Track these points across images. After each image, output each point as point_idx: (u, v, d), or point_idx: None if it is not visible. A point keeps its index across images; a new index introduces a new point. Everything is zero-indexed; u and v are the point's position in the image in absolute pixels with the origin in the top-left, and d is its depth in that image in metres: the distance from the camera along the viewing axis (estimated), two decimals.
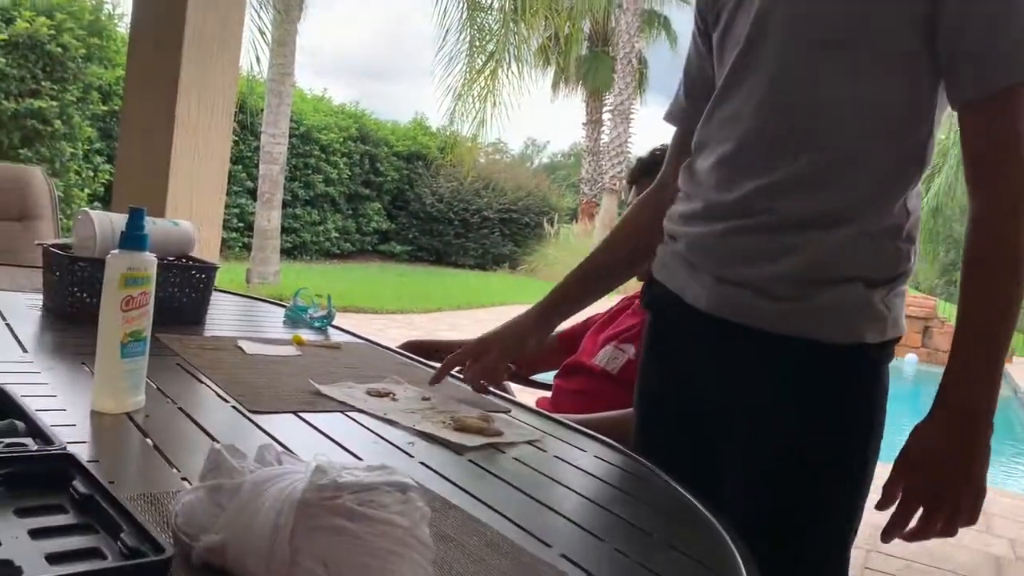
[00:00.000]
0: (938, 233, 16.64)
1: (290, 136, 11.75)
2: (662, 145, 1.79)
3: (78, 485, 0.68)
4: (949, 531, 1.06)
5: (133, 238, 1.02)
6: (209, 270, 1.74)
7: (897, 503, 1.07)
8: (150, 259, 1.03)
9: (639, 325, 1.84)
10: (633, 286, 1.80)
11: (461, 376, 1.45)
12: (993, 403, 1.05)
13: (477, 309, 10.86)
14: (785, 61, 1.10)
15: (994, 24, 1.02)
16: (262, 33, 9.72)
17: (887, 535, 1.08)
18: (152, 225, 1.68)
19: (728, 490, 1.17)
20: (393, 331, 8.00)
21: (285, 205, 12.86)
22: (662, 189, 1.38)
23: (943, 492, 1.05)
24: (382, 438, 1.10)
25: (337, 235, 15.95)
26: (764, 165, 1.12)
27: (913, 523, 1.07)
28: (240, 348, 1.51)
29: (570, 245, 17.21)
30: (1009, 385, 10.92)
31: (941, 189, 15.68)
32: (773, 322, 1.11)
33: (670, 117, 1.39)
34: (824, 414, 1.11)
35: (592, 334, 2.01)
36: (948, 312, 15.83)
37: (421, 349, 2.08)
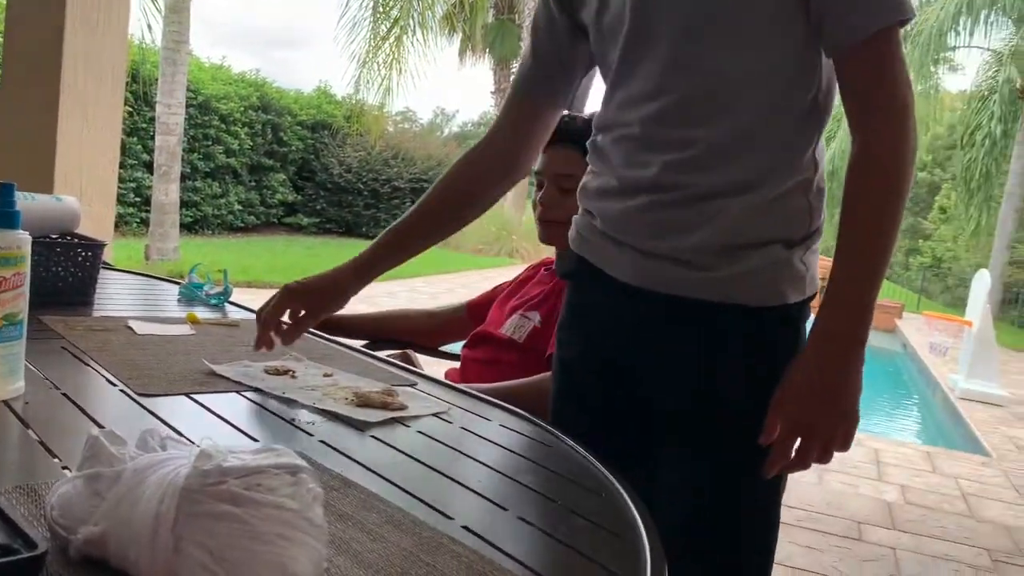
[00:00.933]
0: (834, 196, 17.16)
1: (187, 106, 11.32)
2: (568, 113, 1.79)
3: None
4: (824, 459, 1.09)
5: (3, 215, 0.96)
6: (95, 247, 1.66)
7: (775, 438, 1.09)
8: (23, 237, 0.97)
9: (543, 293, 1.85)
10: (536, 254, 1.80)
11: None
12: (864, 331, 1.08)
13: (389, 281, 10.74)
14: (672, 44, 1.10)
15: None
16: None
17: (769, 469, 1.10)
18: (30, 201, 1.59)
19: (660, 457, 1.20)
20: None
21: (184, 178, 12.41)
22: (488, 147, 1.39)
23: (816, 424, 1.07)
24: (280, 418, 1.07)
25: (240, 208, 15.51)
26: (669, 143, 1.13)
27: (792, 454, 1.09)
28: (130, 328, 1.45)
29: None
30: (899, 340, 11.50)
31: (836, 154, 16.25)
32: (699, 290, 1.13)
33: (520, 86, 1.36)
34: (755, 375, 1.14)
35: (499, 304, 2.01)
36: None
37: (324, 325, 2.04)
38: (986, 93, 14.94)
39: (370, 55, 11.52)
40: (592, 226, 1.25)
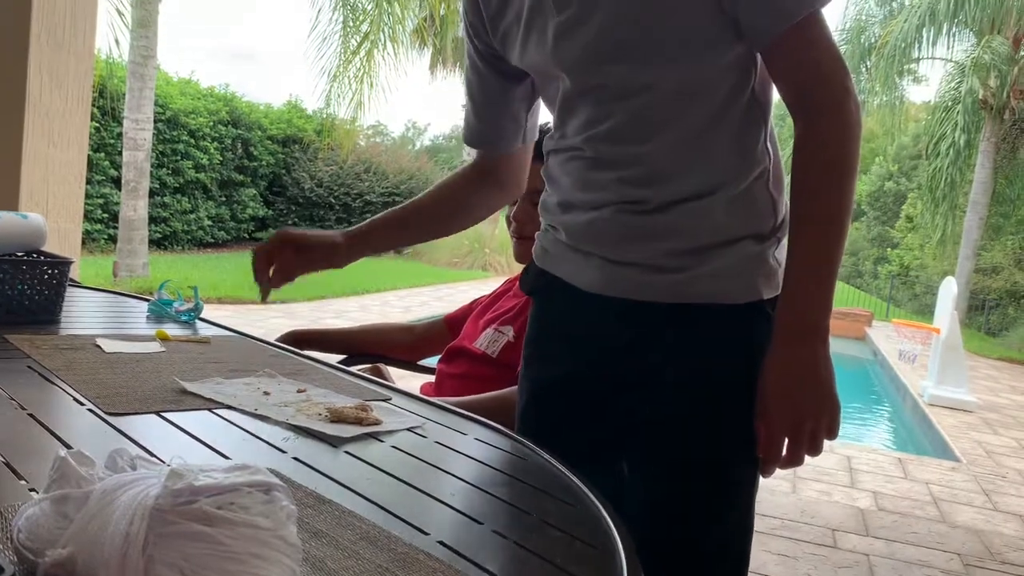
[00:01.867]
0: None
1: (156, 121, 11.23)
2: (545, 124, 1.80)
3: None
4: (814, 452, 1.10)
5: None
6: (62, 265, 1.63)
7: (765, 440, 1.11)
8: None
9: (517, 307, 1.85)
10: (509, 267, 1.81)
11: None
12: (826, 319, 1.08)
13: (363, 295, 10.71)
14: (609, 75, 1.11)
15: None
16: (120, 14, 9.20)
17: (764, 472, 1.13)
18: None
19: (634, 465, 1.20)
20: (273, 321, 7.80)
21: (153, 194, 12.30)
22: (477, 169, 1.43)
23: (799, 420, 1.08)
24: (253, 435, 1.06)
25: (210, 223, 15.38)
26: (620, 161, 1.13)
27: (784, 452, 1.10)
28: (98, 347, 1.43)
29: None
30: (869, 348, 11.63)
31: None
32: (673, 293, 1.13)
33: (471, 142, 1.41)
34: (734, 372, 1.14)
35: (474, 317, 2.01)
36: None
37: (303, 340, 2.03)
38: (950, 104, 15.23)
39: (341, 69, 11.50)
40: (556, 239, 1.25)
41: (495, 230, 16.68)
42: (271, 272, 1.38)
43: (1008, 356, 12.10)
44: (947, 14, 13.90)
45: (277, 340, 1.94)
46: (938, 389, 7.52)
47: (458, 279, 13.77)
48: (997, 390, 9.08)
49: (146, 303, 1.95)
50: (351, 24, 11.05)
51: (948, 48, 15.55)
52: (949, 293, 7.86)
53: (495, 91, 1.33)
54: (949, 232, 15.67)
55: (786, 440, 1.09)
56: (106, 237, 12.73)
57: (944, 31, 14.85)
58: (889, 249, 28.67)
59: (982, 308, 18.60)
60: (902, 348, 10.04)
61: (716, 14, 1.06)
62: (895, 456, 5.31)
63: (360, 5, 10.92)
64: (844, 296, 18.11)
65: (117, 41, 9.32)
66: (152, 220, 12.22)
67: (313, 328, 2.21)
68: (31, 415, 1.01)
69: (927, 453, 5.68)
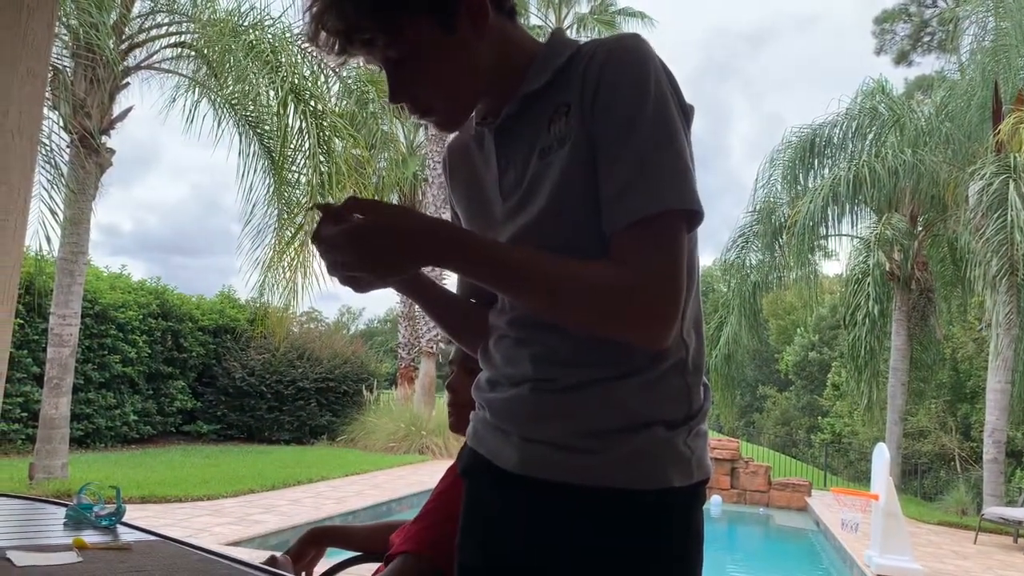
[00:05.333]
0: (732, 378, 17.84)
1: (84, 316, 11.05)
2: None
3: None
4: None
5: None
6: None
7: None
8: None
9: (435, 492, 1.81)
10: (446, 449, 1.79)
11: None
12: (440, 254, 1.09)
13: (294, 487, 10.30)
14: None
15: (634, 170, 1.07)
16: (53, 213, 9.27)
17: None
18: None
19: None
20: (199, 519, 7.41)
21: (77, 390, 11.91)
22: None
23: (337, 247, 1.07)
24: None
25: (136, 418, 14.86)
26: (533, 341, 1.18)
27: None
28: (9, 560, 1.33)
29: (391, 411, 16.93)
30: (812, 518, 11.57)
31: (730, 338, 16.96)
32: (581, 475, 1.13)
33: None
34: (638, 564, 1.12)
35: None
36: (751, 452, 16.79)
37: (324, 539, 1.94)
38: (860, 276, 16.05)
39: (275, 260, 11.64)
40: (484, 418, 1.27)
41: (432, 412, 16.51)
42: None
43: (947, 520, 12.13)
44: (848, 196, 14.93)
45: (297, 540, 1.86)
46: (883, 558, 7.45)
47: (395, 464, 13.40)
48: (941, 556, 9.03)
49: (64, 508, 1.85)
50: (286, 217, 11.30)
51: (853, 225, 16.62)
52: (883, 459, 7.97)
53: None
54: (875, 398, 16.07)
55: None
56: (24, 437, 12.16)
57: (847, 210, 15.90)
58: (820, 417, 29.19)
59: (915, 472, 18.84)
60: (844, 517, 9.99)
61: None
62: None
63: (295, 199, 11.23)
64: (782, 466, 18.17)
65: (48, 239, 9.34)
66: (75, 417, 11.76)
67: (334, 526, 2.13)
68: None
69: None
